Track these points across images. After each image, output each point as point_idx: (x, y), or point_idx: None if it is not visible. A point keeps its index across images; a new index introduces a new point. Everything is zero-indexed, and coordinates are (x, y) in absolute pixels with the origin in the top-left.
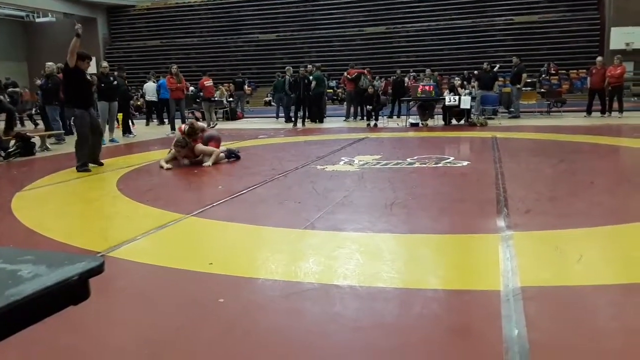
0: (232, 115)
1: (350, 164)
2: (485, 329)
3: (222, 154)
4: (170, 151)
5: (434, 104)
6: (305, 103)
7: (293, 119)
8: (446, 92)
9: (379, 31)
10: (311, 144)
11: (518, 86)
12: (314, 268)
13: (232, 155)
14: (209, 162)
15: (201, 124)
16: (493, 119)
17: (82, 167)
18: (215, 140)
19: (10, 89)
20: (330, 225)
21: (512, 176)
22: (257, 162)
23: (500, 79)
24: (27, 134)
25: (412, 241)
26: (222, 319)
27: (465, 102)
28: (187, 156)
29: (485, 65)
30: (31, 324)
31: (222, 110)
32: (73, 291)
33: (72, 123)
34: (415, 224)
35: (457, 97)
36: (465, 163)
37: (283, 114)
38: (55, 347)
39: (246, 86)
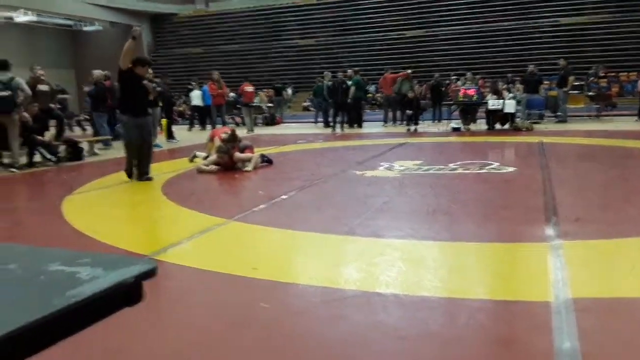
0: (271, 121)
1: (390, 170)
2: (535, 341)
3: (259, 159)
4: (207, 156)
5: (477, 108)
6: (343, 108)
7: (332, 124)
8: (489, 96)
9: (419, 34)
10: (350, 149)
11: (565, 89)
12: (355, 275)
13: (265, 160)
14: (249, 167)
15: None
16: (539, 123)
17: (127, 173)
18: (250, 149)
19: (59, 96)
20: (371, 231)
21: (560, 182)
22: (296, 168)
23: (546, 82)
24: (76, 139)
25: (455, 249)
26: (265, 324)
27: (510, 106)
28: (226, 164)
29: (530, 68)
30: (89, 325)
31: (261, 116)
32: (128, 293)
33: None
34: (458, 231)
35: (501, 101)
36: (510, 169)
37: (322, 119)
38: (104, 348)
39: (289, 90)
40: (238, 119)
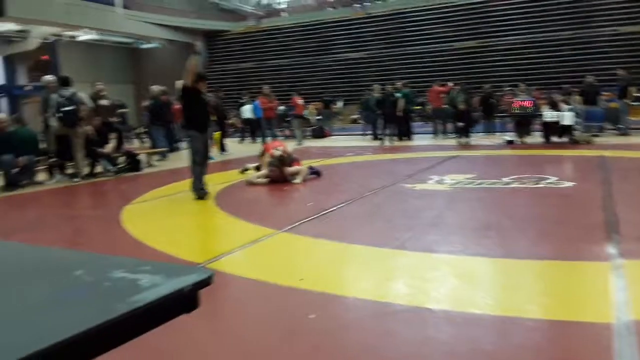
0: (319, 133)
1: (440, 183)
2: None
3: (307, 171)
4: (258, 166)
5: (532, 120)
6: (392, 120)
7: (380, 136)
8: (545, 108)
9: (470, 45)
10: (399, 162)
11: (626, 100)
12: (406, 290)
13: (313, 172)
14: (298, 180)
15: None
16: (599, 136)
17: (197, 193)
18: (297, 162)
19: (118, 110)
20: (422, 246)
21: (623, 198)
22: (345, 180)
23: (605, 93)
24: (135, 151)
25: (509, 266)
26: (313, 335)
27: (567, 118)
28: (277, 177)
29: (589, 79)
30: (149, 330)
31: (309, 129)
32: (185, 300)
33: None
34: (512, 248)
35: (558, 113)
36: (569, 184)
37: (370, 132)
38: (160, 353)
39: (340, 103)
40: (288, 132)
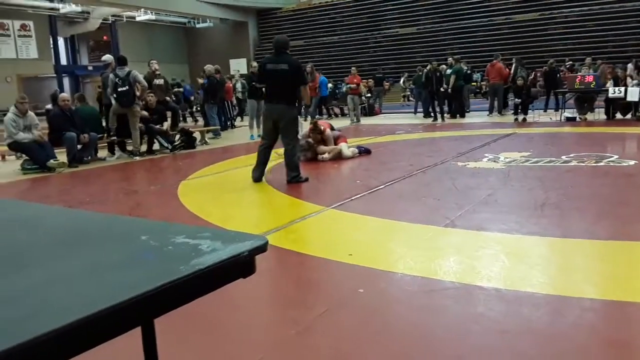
0: (370, 111)
1: (494, 161)
2: None
3: (349, 150)
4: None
5: (595, 96)
6: (440, 97)
7: (432, 114)
8: (610, 83)
9: (530, 18)
10: (451, 139)
11: None
12: (455, 267)
13: (362, 151)
14: (326, 156)
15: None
16: None
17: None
18: (343, 138)
19: (175, 89)
20: (473, 224)
21: None
22: (395, 158)
23: None
24: (190, 129)
25: (565, 246)
26: (362, 309)
27: (633, 94)
28: (310, 160)
29: None
30: (209, 291)
31: (360, 106)
32: (243, 265)
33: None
34: (569, 228)
35: (622, 89)
36: (632, 162)
37: (421, 109)
38: (210, 320)
39: (402, 79)
40: (337, 110)
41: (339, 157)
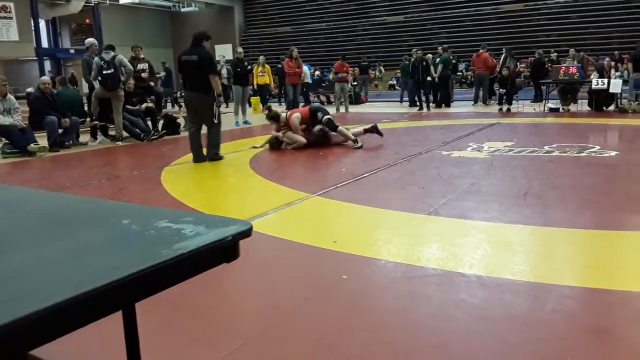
0: (356, 99)
1: (479, 151)
2: (631, 332)
3: (349, 133)
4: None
5: (578, 87)
6: (425, 87)
7: (418, 103)
8: (593, 75)
9: (517, 8)
10: (436, 128)
11: None
12: (438, 254)
13: (375, 130)
14: (290, 147)
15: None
16: None
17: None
18: (302, 112)
19: (157, 75)
20: (456, 212)
21: None
22: (380, 146)
23: None
24: (173, 114)
25: (546, 234)
26: (346, 295)
27: (616, 86)
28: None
29: None
30: (193, 275)
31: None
32: (227, 250)
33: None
34: (551, 217)
35: (605, 80)
36: (613, 153)
37: (407, 98)
38: (194, 305)
39: (381, 69)
40: (323, 98)
41: (300, 147)
